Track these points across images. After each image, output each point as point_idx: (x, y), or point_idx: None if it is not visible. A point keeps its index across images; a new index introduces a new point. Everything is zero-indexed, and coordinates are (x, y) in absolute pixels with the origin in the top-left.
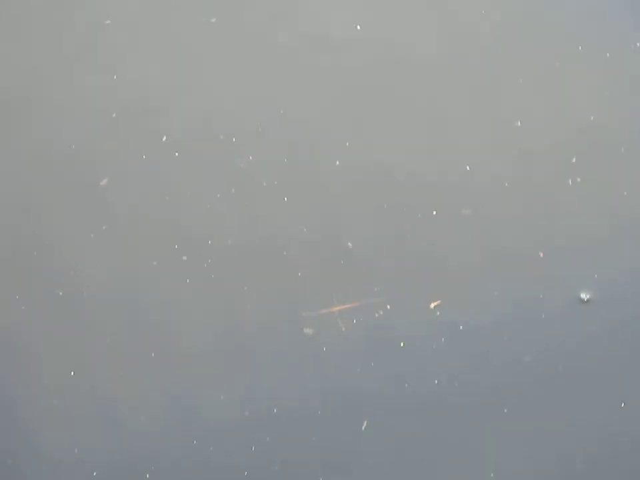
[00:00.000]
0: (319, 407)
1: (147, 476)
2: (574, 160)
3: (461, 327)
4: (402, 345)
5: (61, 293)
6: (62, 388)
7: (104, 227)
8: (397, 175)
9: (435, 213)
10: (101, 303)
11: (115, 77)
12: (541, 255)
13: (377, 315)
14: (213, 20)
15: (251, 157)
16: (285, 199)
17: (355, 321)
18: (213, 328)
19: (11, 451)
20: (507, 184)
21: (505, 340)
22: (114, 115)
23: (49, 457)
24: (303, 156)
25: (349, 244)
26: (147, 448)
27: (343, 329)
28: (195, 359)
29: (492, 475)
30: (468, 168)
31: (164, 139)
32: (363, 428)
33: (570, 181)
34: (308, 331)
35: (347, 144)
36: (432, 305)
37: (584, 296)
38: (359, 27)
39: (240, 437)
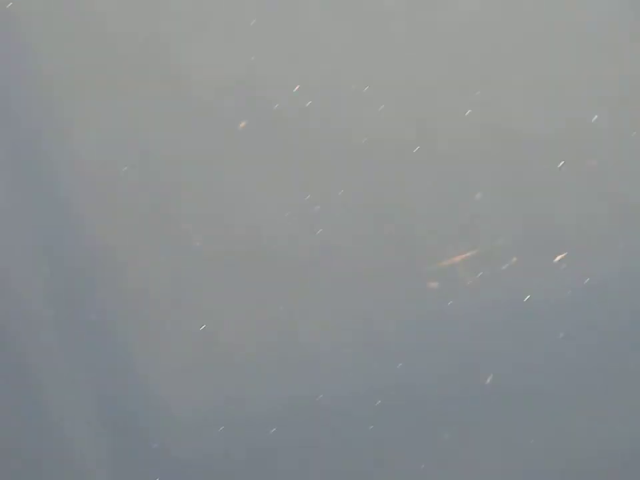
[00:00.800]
0: (447, 363)
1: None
2: None
3: (586, 281)
4: (527, 298)
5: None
6: None
7: None
8: (521, 127)
9: (560, 164)
10: None
11: None
12: None
13: (502, 268)
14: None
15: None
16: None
17: (479, 274)
18: (339, 288)
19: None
20: (634, 134)
21: (633, 292)
22: None
23: None
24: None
25: (477, 195)
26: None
27: (468, 283)
28: (316, 318)
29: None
30: (594, 119)
31: None
32: (487, 382)
33: None
34: (433, 284)
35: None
36: (557, 258)
37: None
38: None
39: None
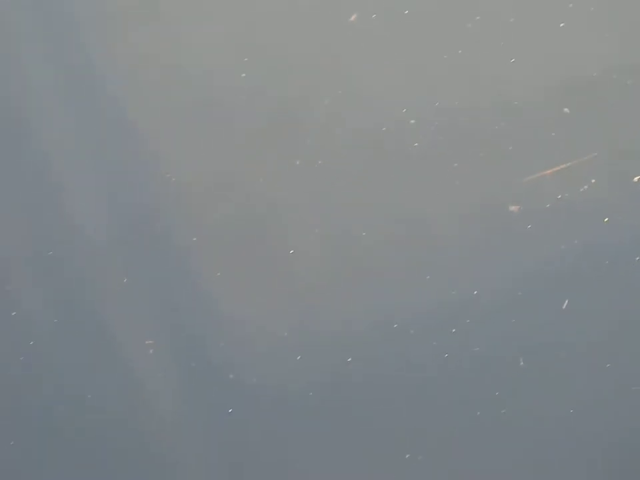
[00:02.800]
0: (521, 287)
1: None
2: None
3: None
4: (605, 220)
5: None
6: None
7: None
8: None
9: None
10: None
11: None
12: None
13: (581, 190)
14: None
15: None
16: None
17: (559, 196)
18: (406, 213)
19: None
20: None
21: None
22: None
23: None
24: None
25: (566, 109)
26: None
27: (547, 205)
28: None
29: None
30: None
31: None
32: (564, 307)
33: None
34: (513, 208)
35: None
36: (636, 179)
37: None
38: None
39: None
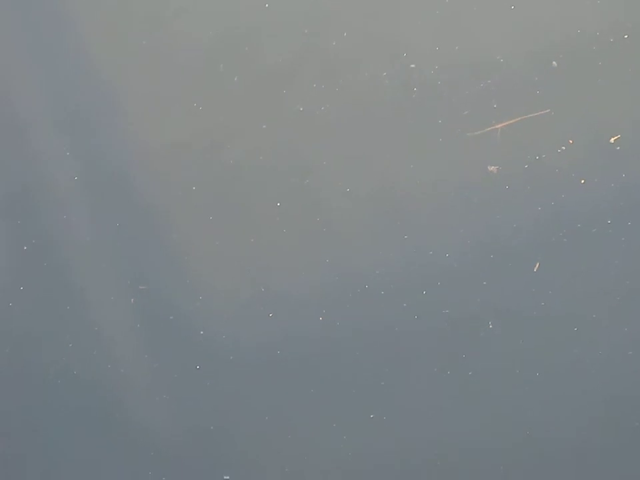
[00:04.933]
0: (494, 250)
1: None
2: None
3: None
4: (582, 182)
5: None
6: None
7: None
8: None
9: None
10: None
11: None
12: None
13: (559, 151)
14: None
15: None
16: None
17: (537, 157)
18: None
19: None
20: None
21: None
22: None
23: None
24: None
25: (554, 63)
26: None
27: (525, 166)
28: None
29: None
30: None
31: None
32: (535, 269)
33: None
34: (492, 168)
35: None
36: (612, 140)
37: None
38: None
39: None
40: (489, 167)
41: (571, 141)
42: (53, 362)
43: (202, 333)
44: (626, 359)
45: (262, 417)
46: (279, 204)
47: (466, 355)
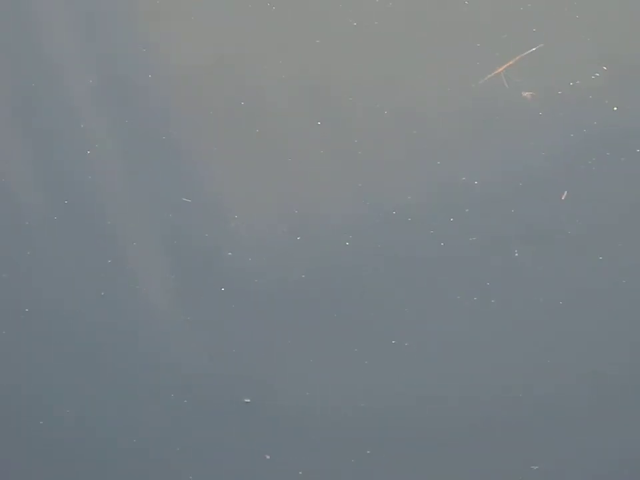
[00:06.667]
0: (523, 177)
1: None
2: None
3: None
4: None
5: None
6: None
7: None
8: None
9: None
10: None
11: None
12: None
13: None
14: None
15: None
16: None
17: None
18: None
19: None
20: None
21: None
22: None
23: None
24: None
25: None
26: None
27: (559, 92)
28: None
29: None
30: None
31: None
32: (563, 197)
33: None
34: (526, 94)
35: None
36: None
37: None
38: None
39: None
40: (522, 93)
41: (605, 68)
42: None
43: (230, 254)
44: None
45: (285, 341)
46: (318, 123)
47: (490, 282)
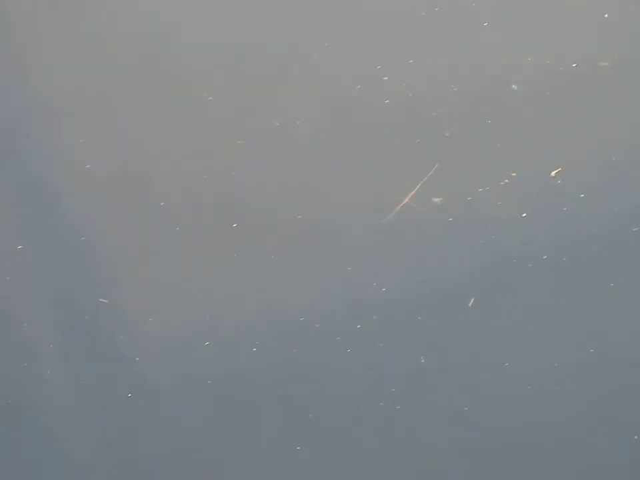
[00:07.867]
0: (429, 285)
1: None
2: None
3: None
4: (523, 215)
5: None
6: None
7: None
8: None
9: None
10: None
11: None
12: None
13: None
14: None
15: None
16: None
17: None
18: None
19: None
20: None
21: None
22: None
23: None
24: None
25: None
26: None
27: (468, 199)
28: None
29: None
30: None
31: None
32: (470, 304)
33: None
34: (436, 200)
35: None
36: (553, 173)
37: None
38: None
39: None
40: (433, 199)
41: (514, 174)
42: None
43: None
44: None
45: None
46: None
47: (396, 389)
